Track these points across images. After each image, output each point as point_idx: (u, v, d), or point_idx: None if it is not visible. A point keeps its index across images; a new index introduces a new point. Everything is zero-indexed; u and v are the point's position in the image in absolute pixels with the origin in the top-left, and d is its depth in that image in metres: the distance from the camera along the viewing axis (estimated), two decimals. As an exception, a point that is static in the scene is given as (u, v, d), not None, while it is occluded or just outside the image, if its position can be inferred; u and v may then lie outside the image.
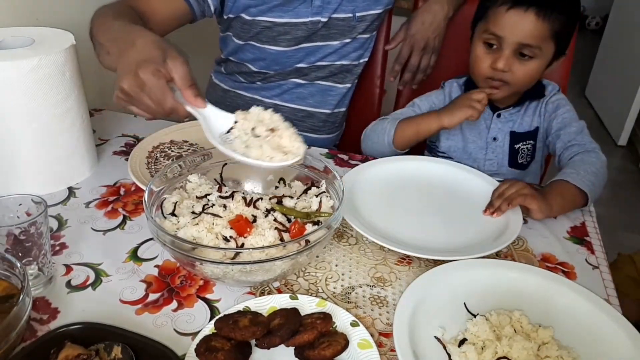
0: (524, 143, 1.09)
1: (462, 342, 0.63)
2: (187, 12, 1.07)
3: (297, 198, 0.79)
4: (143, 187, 0.85)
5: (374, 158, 1.03)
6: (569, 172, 0.91)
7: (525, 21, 0.92)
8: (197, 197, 0.79)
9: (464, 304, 0.69)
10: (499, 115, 1.08)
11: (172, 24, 1.06)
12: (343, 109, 1.29)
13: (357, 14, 1.14)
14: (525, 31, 0.93)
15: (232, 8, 1.10)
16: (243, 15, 1.10)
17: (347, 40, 1.17)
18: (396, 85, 1.35)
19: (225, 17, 1.13)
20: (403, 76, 1.28)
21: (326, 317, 0.64)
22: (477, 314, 0.67)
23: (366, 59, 1.25)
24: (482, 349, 0.62)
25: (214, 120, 0.74)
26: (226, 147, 0.71)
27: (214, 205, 0.76)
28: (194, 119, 0.75)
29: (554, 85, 1.09)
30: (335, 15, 1.12)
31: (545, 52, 0.96)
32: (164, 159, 0.99)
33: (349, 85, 1.26)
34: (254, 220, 0.74)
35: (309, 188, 0.82)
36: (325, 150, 1.10)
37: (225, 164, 0.85)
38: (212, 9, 1.09)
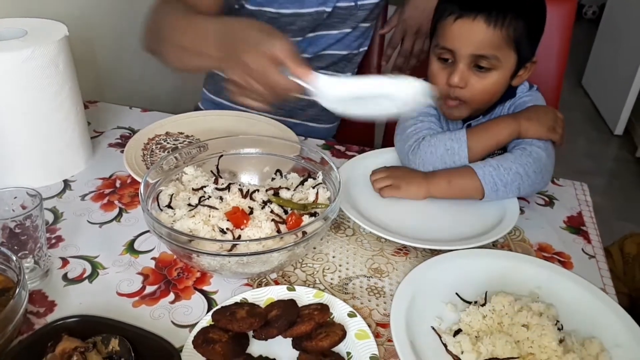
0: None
1: (457, 332, 0.63)
2: (221, 3, 1.01)
3: (294, 190, 0.79)
4: (139, 180, 0.84)
5: (371, 149, 1.03)
6: (487, 161, 0.85)
7: (475, 31, 0.83)
8: (193, 189, 0.78)
9: (456, 293, 0.69)
10: (469, 126, 0.97)
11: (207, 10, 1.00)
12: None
13: (359, 2, 1.14)
14: (477, 41, 0.84)
15: None
16: (248, 6, 1.09)
17: (348, 30, 1.17)
18: (389, 71, 1.34)
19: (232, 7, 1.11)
20: (396, 61, 1.27)
21: (323, 308, 0.64)
22: (472, 302, 0.67)
23: (366, 48, 1.25)
24: (476, 338, 0.62)
25: (330, 88, 0.72)
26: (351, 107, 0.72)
27: (210, 197, 0.75)
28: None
29: (525, 84, 0.95)
30: (338, 4, 1.12)
31: (505, 62, 0.86)
32: (159, 151, 0.98)
33: (349, 74, 1.26)
34: (251, 212, 0.74)
35: (306, 179, 0.81)
36: (322, 142, 1.10)
37: (222, 155, 0.85)
38: None
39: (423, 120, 0.94)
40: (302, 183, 0.81)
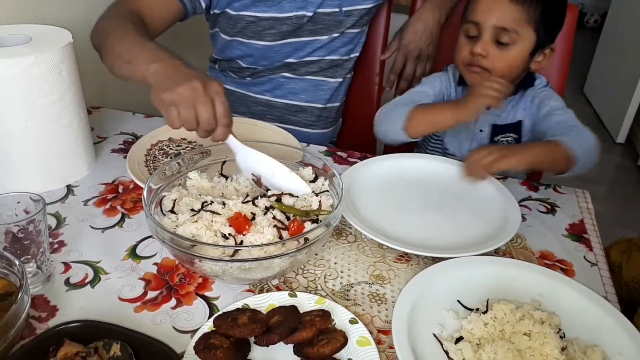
0: (504, 136, 1.08)
1: (459, 339, 0.63)
2: (180, 10, 1.09)
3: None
4: (142, 185, 0.85)
5: (373, 156, 1.03)
6: (561, 137, 0.90)
7: (499, 4, 0.96)
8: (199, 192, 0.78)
9: (458, 300, 0.69)
10: (488, 108, 1.03)
11: (166, 22, 1.09)
12: (337, 104, 1.30)
13: (344, 9, 1.14)
14: (499, 14, 0.96)
15: (217, 3, 1.11)
16: (228, 10, 1.11)
17: (336, 35, 1.18)
18: (395, 84, 1.35)
19: (211, 12, 1.14)
20: (399, 85, 1.28)
21: (325, 315, 0.64)
22: (473, 310, 0.67)
23: (357, 54, 1.26)
24: (478, 345, 0.62)
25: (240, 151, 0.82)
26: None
27: (212, 202, 0.75)
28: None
29: (543, 79, 1.07)
30: (320, 10, 1.12)
31: (523, 39, 0.97)
32: (162, 157, 0.99)
33: (340, 79, 1.26)
34: (253, 218, 0.74)
35: (317, 177, 0.82)
36: (324, 148, 1.10)
37: (225, 162, 0.85)
38: (204, 5, 1.10)
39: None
40: (314, 180, 0.82)
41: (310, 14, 1.11)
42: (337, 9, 1.13)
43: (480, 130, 1.08)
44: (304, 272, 0.75)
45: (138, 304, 0.69)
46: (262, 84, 1.24)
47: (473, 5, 0.99)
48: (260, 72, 1.22)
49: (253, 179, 0.82)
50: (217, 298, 0.70)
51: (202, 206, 0.75)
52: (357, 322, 0.65)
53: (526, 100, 1.06)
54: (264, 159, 0.81)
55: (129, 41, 0.88)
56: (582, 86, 3.53)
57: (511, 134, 1.07)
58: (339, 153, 1.08)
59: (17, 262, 0.62)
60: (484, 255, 0.76)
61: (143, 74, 0.81)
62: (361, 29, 1.22)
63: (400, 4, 1.81)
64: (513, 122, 1.07)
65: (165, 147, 1.02)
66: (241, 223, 0.71)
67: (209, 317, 0.66)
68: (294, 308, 0.65)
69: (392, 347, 0.63)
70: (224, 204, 0.75)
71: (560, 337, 0.63)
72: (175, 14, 1.08)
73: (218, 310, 0.68)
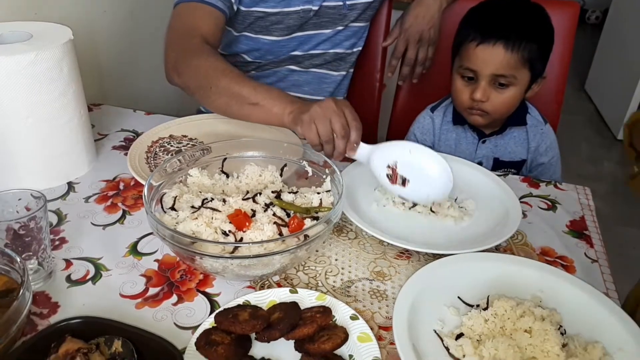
0: (504, 170, 1.10)
1: (460, 336, 0.63)
2: (222, 19, 1.08)
3: (295, 193, 0.79)
4: (142, 182, 0.85)
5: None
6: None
7: (495, 54, 0.97)
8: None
9: (458, 297, 0.69)
10: (484, 142, 1.12)
11: (220, 37, 1.09)
12: (339, 98, 1.30)
13: (348, 2, 1.16)
14: (497, 63, 0.97)
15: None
16: (241, 7, 1.11)
17: (340, 28, 1.19)
18: (395, 80, 1.35)
19: None
20: (401, 70, 1.28)
21: (326, 311, 0.64)
22: (474, 306, 0.67)
23: (360, 48, 1.27)
24: (478, 342, 0.62)
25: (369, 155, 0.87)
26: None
27: (213, 199, 0.76)
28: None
29: (539, 119, 1.10)
30: (325, 4, 1.14)
31: (520, 79, 1.00)
32: (163, 154, 0.99)
33: (343, 73, 1.27)
34: (253, 215, 0.74)
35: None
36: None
37: (225, 158, 0.85)
38: (235, 7, 1.10)
39: None
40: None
41: (316, 7, 1.13)
42: (340, 3, 1.15)
43: (480, 163, 1.07)
44: (305, 268, 0.75)
45: (139, 300, 0.69)
46: (267, 77, 1.24)
47: (467, 53, 1.00)
48: (265, 66, 1.22)
49: (388, 175, 0.84)
50: (218, 294, 0.70)
51: (203, 203, 0.75)
52: (357, 319, 0.65)
53: (530, 141, 1.09)
54: (396, 143, 0.85)
55: (247, 84, 0.95)
56: (583, 83, 3.52)
57: (513, 170, 1.10)
58: (340, 150, 1.08)
59: (18, 259, 0.62)
60: (485, 251, 0.76)
61: (279, 118, 0.91)
62: (365, 24, 1.24)
63: (401, 1, 1.81)
64: (516, 160, 1.10)
65: (166, 144, 1.02)
66: (241, 220, 0.72)
67: (210, 314, 0.66)
68: (294, 304, 0.65)
69: (392, 343, 0.63)
70: (224, 200, 0.75)
71: (561, 333, 0.63)
72: (223, 24, 1.09)
73: (219, 307, 0.68)
